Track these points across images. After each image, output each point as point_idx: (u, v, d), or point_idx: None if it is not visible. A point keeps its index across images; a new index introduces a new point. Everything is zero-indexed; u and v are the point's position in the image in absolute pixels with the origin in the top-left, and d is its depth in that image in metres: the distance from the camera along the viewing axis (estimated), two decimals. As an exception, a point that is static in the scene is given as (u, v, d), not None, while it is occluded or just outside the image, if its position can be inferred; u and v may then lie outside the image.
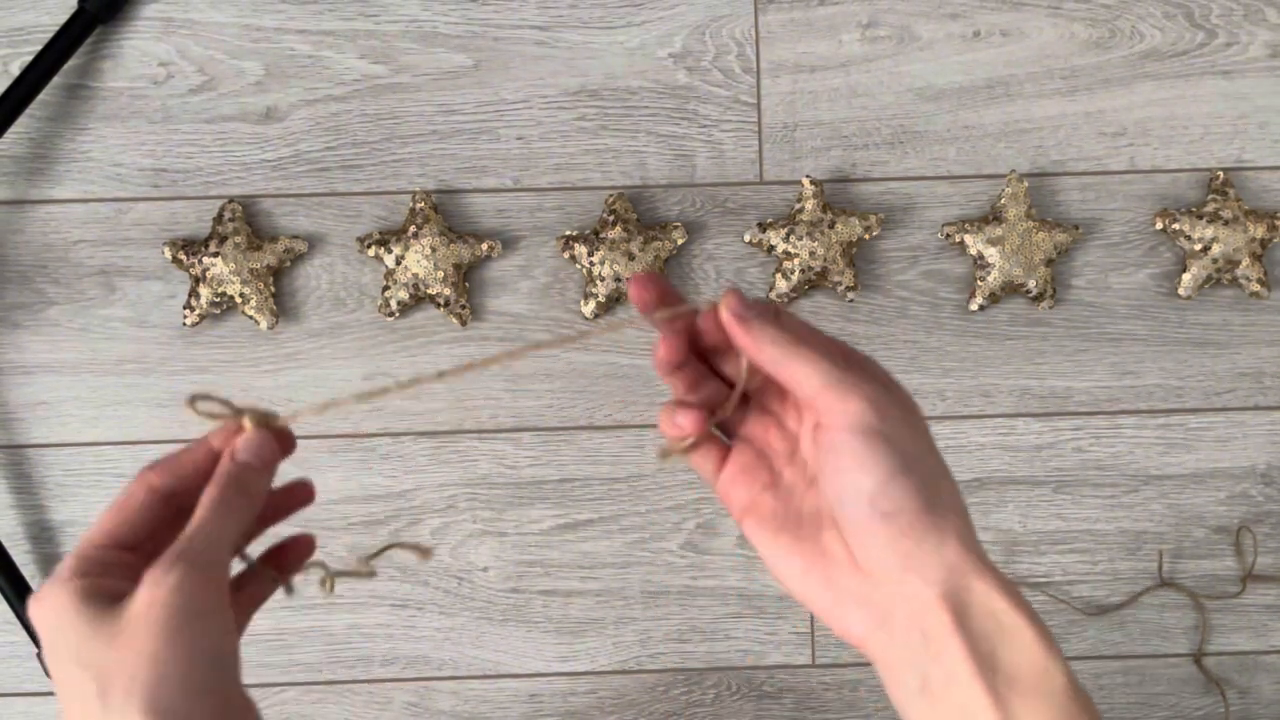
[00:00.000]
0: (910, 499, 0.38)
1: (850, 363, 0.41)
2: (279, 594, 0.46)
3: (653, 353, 0.43)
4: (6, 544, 0.82)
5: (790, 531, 0.42)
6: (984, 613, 0.38)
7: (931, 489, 0.39)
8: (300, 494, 0.47)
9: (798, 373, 0.40)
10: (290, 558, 0.47)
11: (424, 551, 0.49)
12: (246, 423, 0.43)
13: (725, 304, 0.41)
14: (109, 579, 0.39)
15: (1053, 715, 0.37)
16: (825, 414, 0.39)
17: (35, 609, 0.39)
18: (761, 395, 0.45)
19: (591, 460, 0.84)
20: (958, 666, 0.38)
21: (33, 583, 0.82)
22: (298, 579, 0.47)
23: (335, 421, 0.83)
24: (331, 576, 0.47)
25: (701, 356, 0.44)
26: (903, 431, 0.39)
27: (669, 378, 0.44)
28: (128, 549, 0.41)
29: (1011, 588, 0.39)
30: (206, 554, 0.39)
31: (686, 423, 0.43)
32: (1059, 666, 0.38)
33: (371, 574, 0.48)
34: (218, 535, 0.40)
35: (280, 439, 0.44)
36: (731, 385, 0.44)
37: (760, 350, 0.41)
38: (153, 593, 0.38)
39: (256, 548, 0.46)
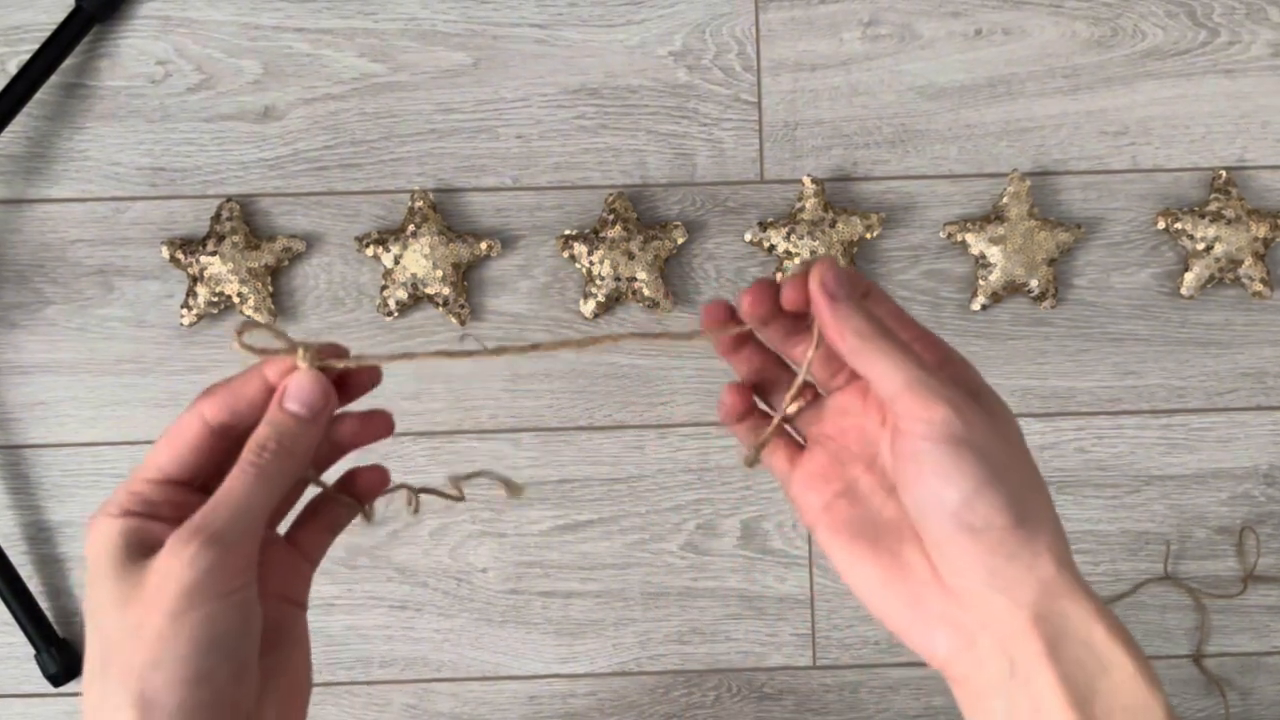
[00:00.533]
0: (999, 513, 0.35)
1: (941, 363, 0.38)
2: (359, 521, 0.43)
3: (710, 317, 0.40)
4: (4, 544, 0.81)
5: (867, 540, 0.39)
6: (1079, 641, 0.35)
7: (1023, 502, 0.36)
8: (377, 425, 0.41)
9: (878, 368, 0.36)
10: (362, 486, 0.42)
11: (515, 488, 0.44)
12: (300, 361, 0.37)
13: (816, 274, 0.38)
14: (156, 522, 0.36)
15: None
16: (905, 419, 0.36)
17: (87, 539, 0.37)
18: (841, 395, 0.41)
19: (591, 461, 0.83)
20: (1047, 696, 0.35)
21: (30, 584, 0.82)
22: (381, 501, 0.41)
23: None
24: (417, 495, 0.42)
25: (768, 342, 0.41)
26: (992, 441, 0.36)
27: (732, 355, 0.41)
28: (182, 484, 0.38)
29: (1108, 613, 0.36)
30: (232, 529, 0.35)
31: (729, 400, 0.40)
32: (1159, 702, 0.35)
33: (460, 498, 0.42)
34: (247, 506, 0.36)
35: (343, 382, 0.39)
36: (807, 384, 0.41)
37: (843, 337, 0.37)
38: (167, 563, 0.35)
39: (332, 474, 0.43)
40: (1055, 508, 0.37)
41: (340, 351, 0.38)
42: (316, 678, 0.84)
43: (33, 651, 0.82)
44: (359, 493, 0.42)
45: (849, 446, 0.41)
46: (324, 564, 0.85)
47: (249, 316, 0.81)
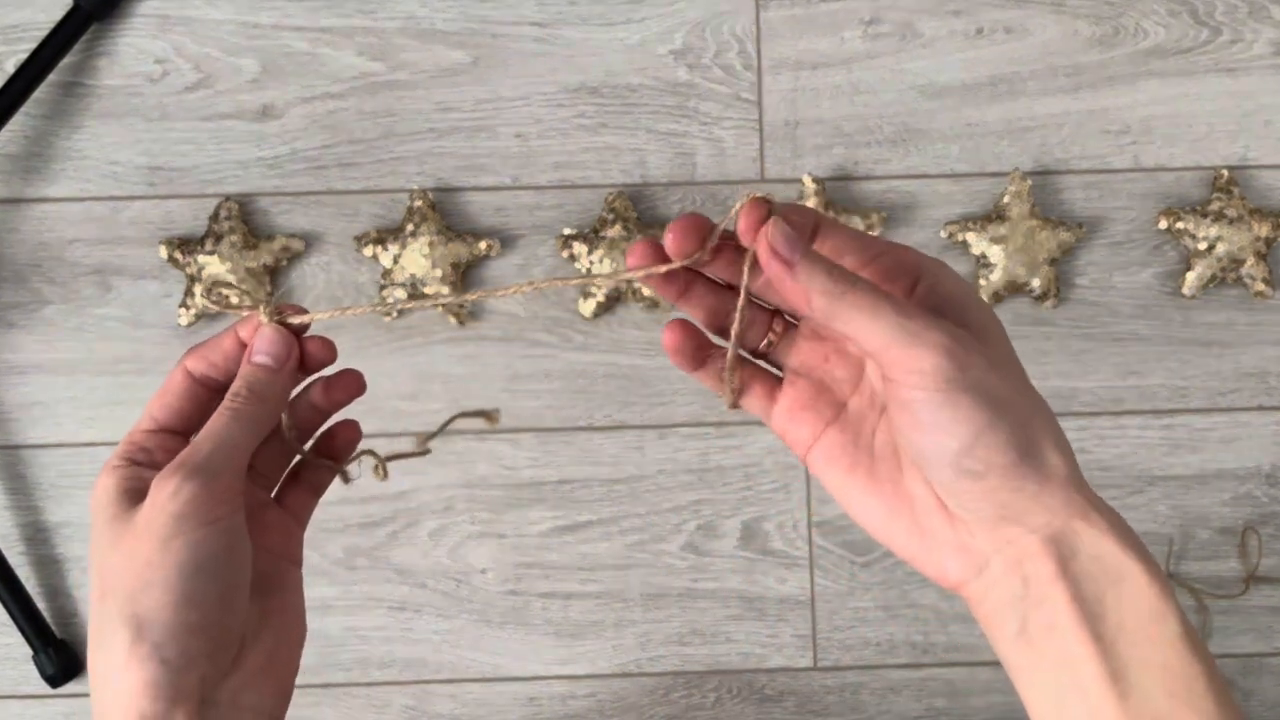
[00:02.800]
0: (1001, 453, 0.34)
1: (917, 289, 0.37)
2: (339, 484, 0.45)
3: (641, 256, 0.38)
4: (1, 545, 0.81)
5: (864, 469, 0.38)
6: (1091, 556, 0.35)
7: (1026, 434, 0.35)
8: (346, 384, 0.43)
9: (854, 325, 0.34)
10: (339, 445, 0.44)
11: (491, 417, 0.45)
12: (262, 316, 0.41)
13: (764, 240, 0.35)
14: (150, 469, 0.39)
15: (1165, 663, 0.34)
16: (893, 370, 0.34)
17: (91, 495, 0.39)
18: (811, 320, 0.39)
19: (591, 461, 0.83)
20: (1060, 614, 0.35)
21: (28, 584, 0.82)
22: (352, 468, 0.44)
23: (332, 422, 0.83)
24: (384, 461, 0.45)
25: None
26: (987, 377, 0.34)
27: (683, 300, 0.39)
28: (174, 433, 0.41)
29: (1123, 526, 0.36)
30: (212, 462, 0.38)
31: (669, 338, 0.38)
32: (1173, 611, 0.35)
33: (426, 452, 0.45)
34: (226, 442, 0.38)
35: (306, 342, 0.42)
36: (777, 314, 0.39)
37: (809, 302, 0.35)
38: (154, 498, 0.37)
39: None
40: (1056, 419, 0.36)
41: (298, 310, 0.41)
42: (316, 678, 0.84)
43: (30, 652, 0.81)
44: (336, 451, 0.44)
45: (831, 371, 0.39)
46: (323, 565, 0.85)
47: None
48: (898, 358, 0.34)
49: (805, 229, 0.37)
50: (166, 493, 0.37)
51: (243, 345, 0.41)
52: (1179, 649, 0.34)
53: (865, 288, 0.34)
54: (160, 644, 0.36)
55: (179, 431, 0.41)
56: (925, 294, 0.37)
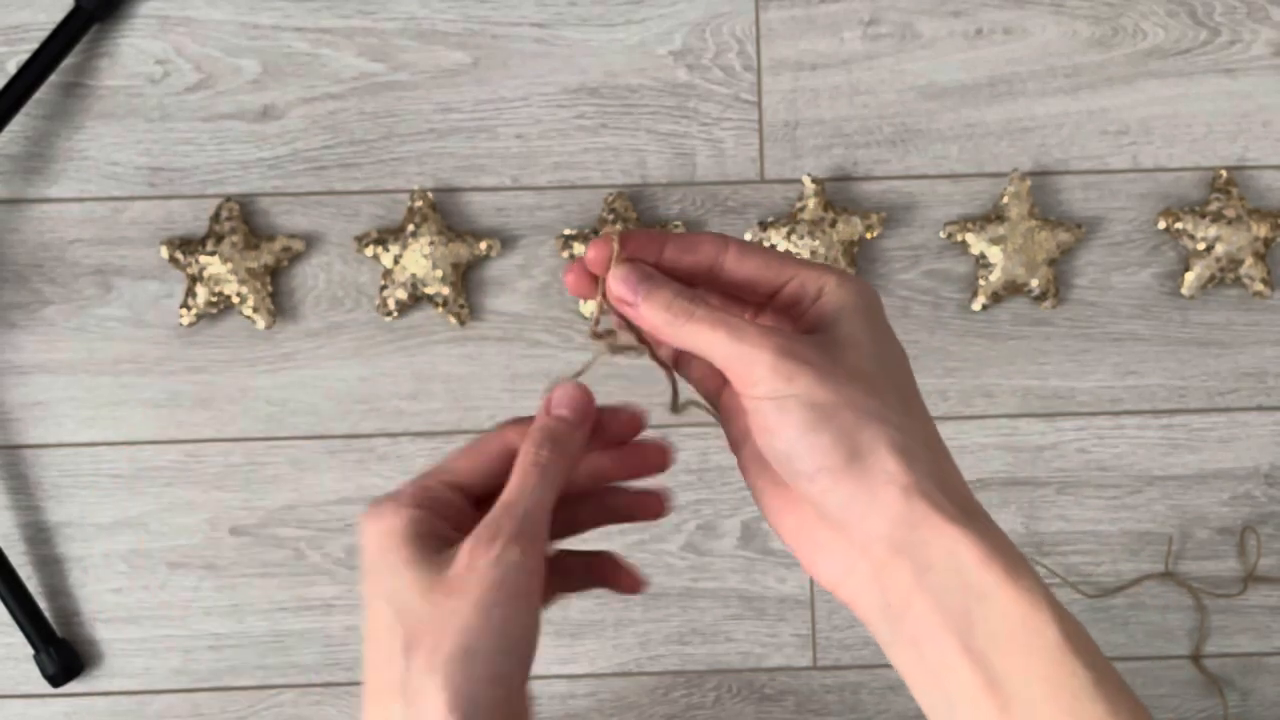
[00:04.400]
0: (825, 455, 0.36)
1: (810, 311, 0.38)
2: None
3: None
4: (3, 545, 0.81)
5: (770, 472, 0.39)
6: (948, 569, 0.35)
7: (852, 441, 0.36)
8: (651, 458, 0.43)
9: (699, 349, 0.37)
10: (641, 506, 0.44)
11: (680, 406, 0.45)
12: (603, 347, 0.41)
13: (610, 286, 0.38)
14: (443, 520, 0.38)
15: (1044, 674, 0.34)
16: (735, 382, 0.37)
17: (367, 524, 0.37)
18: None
19: (591, 461, 0.83)
20: (926, 626, 0.35)
21: (29, 584, 0.82)
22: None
23: (332, 422, 0.83)
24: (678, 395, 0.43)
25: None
26: (814, 388, 0.36)
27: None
28: (464, 493, 0.39)
29: (983, 535, 0.35)
30: (529, 525, 0.37)
31: (570, 280, 0.40)
32: (1049, 620, 0.34)
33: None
34: (538, 503, 0.37)
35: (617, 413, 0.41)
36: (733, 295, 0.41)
37: (658, 332, 0.38)
38: (473, 560, 0.36)
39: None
40: (913, 431, 0.37)
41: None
42: (318, 677, 0.84)
43: (31, 652, 0.81)
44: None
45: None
46: (324, 564, 0.85)
47: (247, 316, 0.81)
48: (735, 372, 0.37)
49: (651, 253, 0.39)
50: (490, 557, 0.36)
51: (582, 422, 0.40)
52: (1058, 657, 0.34)
53: (701, 314, 0.37)
54: (468, 714, 0.35)
55: (472, 493, 0.39)
56: (814, 313, 0.39)
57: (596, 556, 0.44)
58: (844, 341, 0.37)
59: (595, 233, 0.80)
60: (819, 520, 0.38)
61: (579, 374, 0.41)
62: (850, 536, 0.37)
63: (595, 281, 0.39)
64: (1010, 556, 0.35)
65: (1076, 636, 0.34)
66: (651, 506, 0.43)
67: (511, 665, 0.36)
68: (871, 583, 0.36)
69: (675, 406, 0.42)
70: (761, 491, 0.40)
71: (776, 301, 0.39)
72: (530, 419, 0.40)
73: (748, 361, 0.36)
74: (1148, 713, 0.35)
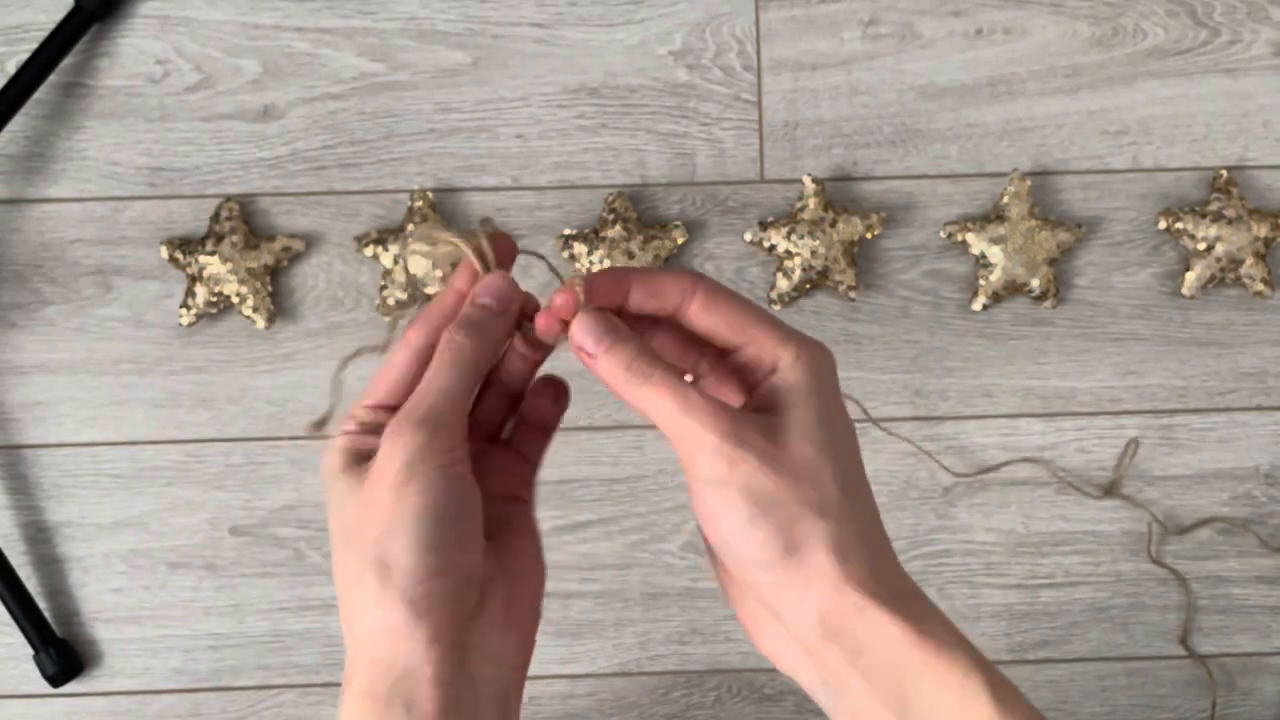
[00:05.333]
0: (760, 549, 0.36)
1: (765, 384, 0.38)
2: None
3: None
4: (3, 545, 0.81)
5: None
6: (878, 651, 0.36)
7: (790, 534, 0.36)
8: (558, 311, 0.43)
9: (649, 416, 0.38)
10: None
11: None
12: (466, 249, 0.42)
13: (573, 336, 0.40)
14: (373, 437, 0.39)
15: None
16: (679, 456, 0.38)
17: (320, 464, 0.40)
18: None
19: (591, 461, 0.83)
20: (864, 704, 0.36)
21: (29, 584, 0.82)
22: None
23: (332, 422, 0.83)
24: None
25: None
26: (756, 476, 0.36)
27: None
28: (395, 409, 0.40)
29: (916, 617, 0.36)
30: (436, 411, 0.38)
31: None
32: (980, 685, 0.35)
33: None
34: (445, 389, 0.39)
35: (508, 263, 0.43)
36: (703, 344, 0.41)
37: (608, 383, 0.39)
38: (385, 450, 0.38)
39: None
40: (852, 522, 0.37)
41: (506, 240, 0.43)
42: (318, 678, 0.84)
43: (31, 652, 0.81)
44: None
45: None
46: (325, 565, 0.85)
47: (247, 316, 0.81)
48: (680, 448, 0.37)
49: (616, 297, 0.40)
50: (398, 443, 0.38)
51: (463, 297, 0.42)
52: None
53: (658, 380, 0.37)
54: (406, 588, 0.36)
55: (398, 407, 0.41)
56: (767, 388, 0.39)
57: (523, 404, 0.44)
58: (792, 426, 0.37)
59: (596, 233, 0.80)
60: (758, 599, 0.39)
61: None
62: (784, 622, 0.38)
63: (565, 326, 0.40)
64: (940, 635, 0.36)
65: (1010, 702, 0.35)
66: (555, 404, 0.44)
67: (439, 529, 0.37)
68: (807, 662, 0.38)
69: None
70: (711, 557, 0.41)
71: (733, 360, 0.40)
72: (425, 309, 0.42)
73: (694, 441, 0.37)
74: None
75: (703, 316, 0.39)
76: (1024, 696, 0.36)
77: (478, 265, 0.42)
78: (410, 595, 0.36)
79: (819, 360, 0.39)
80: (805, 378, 0.38)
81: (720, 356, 0.41)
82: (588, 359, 0.39)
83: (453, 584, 0.37)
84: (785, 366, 0.38)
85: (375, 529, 0.37)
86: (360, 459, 0.39)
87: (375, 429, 0.40)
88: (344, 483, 0.39)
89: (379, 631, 0.37)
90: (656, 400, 0.37)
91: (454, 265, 0.84)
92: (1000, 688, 0.35)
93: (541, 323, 0.41)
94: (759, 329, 0.39)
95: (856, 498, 0.38)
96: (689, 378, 0.42)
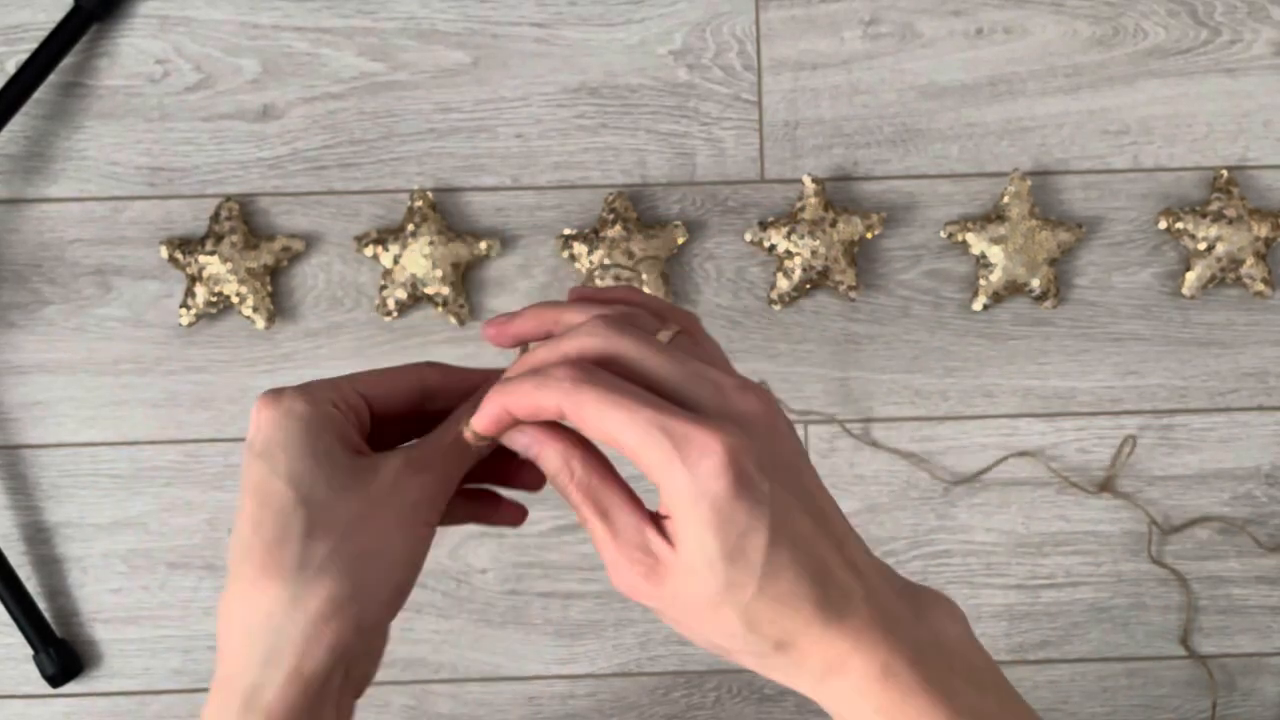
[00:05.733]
0: (724, 638, 0.37)
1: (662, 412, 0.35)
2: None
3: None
4: (2, 545, 0.81)
5: None
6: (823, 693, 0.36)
7: (755, 617, 0.35)
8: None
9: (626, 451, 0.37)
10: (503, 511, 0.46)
11: None
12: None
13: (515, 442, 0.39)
14: (352, 427, 0.39)
15: None
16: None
17: (268, 407, 0.38)
18: None
19: (591, 461, 0.83)
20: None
21: (28, 584, 0.82)
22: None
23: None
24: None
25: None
26: (662, 610, 0.37)
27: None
28: (373, 412, 0.40)
29: (883, 687, 0.35)
30: (452, 474, 0.39)
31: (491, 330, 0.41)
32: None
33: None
34: (458, 463, 0.40)
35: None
36: None
37: (587, 430, 0.36)
38: (401, 478, 0.38)
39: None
40: (750, 641, 0.35)
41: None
42: (315, 679, 0.84)
43: (31, 652, 0.81)
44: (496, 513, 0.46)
45: None
46: (323, 565, 0.85)
47: (247, 316, 0.81)
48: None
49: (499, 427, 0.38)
50: (417, 481, 0.38)
51: (487, 381, 0.41)
52: None
53: (587, 508, 0.37)
54: (363, 614, 0.37)
55: (373, 410, 0.40)
56: (666, 512, 0.36)
57: (480, 493, 0.45)
58: (685, 568, 0.35)
59: (596, 233, 0.80)
60: None
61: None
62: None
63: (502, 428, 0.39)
64: (870, 671, 0.35)
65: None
66: (514, 514, 0.45)
67: (401, 586, 0.39)
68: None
69: None
70: None
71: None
72: (453, 369, 0.41)
73: (610, 565, 0.37)
74: None
75: (588, 428, 0.36)
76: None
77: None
78: (363, 622, 0.38)
79: (699, 480, 0.34)
80: (687, 507, 0.34)
81: None
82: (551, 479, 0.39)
83: (377, 636, 0.41)
84: (669, 496, 0.35)
85: (361, 546, 0.37)
86: (341, 442, 0.38)
87: (352, 415, 0.39)
88: (328, 463, 0.37)
89: (305, 635, 0.37)
90: (588, 520, 0.38)
91: (454, 265, 0.84)
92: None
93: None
94: (643, 443, 0.34)
95: (760, 612, 0.35)
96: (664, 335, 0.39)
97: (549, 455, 0.37)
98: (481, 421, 0.37)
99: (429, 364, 0.41)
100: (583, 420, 0.35)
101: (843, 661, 0.35)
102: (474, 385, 0.41)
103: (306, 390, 0.38)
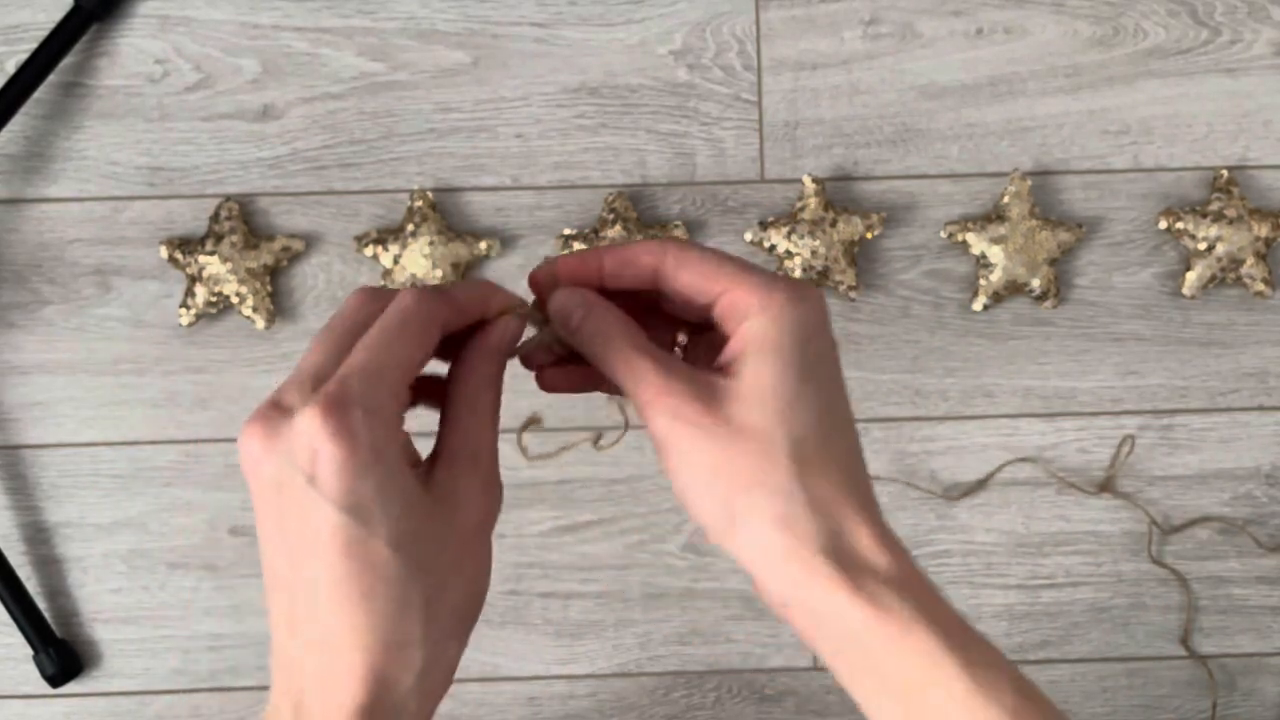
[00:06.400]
0: (708, 517, 0.36)
1: (736, 335, 0.36)
2: None
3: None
4: (2, 545, 0.81)
5: None
6: (839, 629, 0.35)
7: (730, 508, 0.36)
8: None
9: (616, 382, 0.37)
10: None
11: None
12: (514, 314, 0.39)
13: (552, 312, 0.38)
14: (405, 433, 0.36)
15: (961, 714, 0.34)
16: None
17: (346, 439, 0.32)
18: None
19: (591, 461, 0.83)
20: (835, 665, 0.36)
21: (28, 584, 0.82)
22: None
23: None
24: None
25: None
26: (697, 452, 0.36)
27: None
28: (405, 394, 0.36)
29: (873, 598, 0.35)
30: (496, 470, 0.38)
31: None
32: (952, 673, 0.34)
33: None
34: (492, 450, 0.38)
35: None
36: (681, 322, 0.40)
37: (588, 359, 0.38)
38: (472, 497, 0.36)
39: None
40: (801, 494, 0.35)
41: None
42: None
43: (31, 652, 0.81)
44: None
45: None
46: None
47: (247, 316, 0.81)
48: (638, 410, 0.37)
49: (591, 273, 0.38)
50: (490, 500, 0.36)
51: (486, 314, 0.38)
52: (968, 707, 0.34)
53: (612, 355, 0.37)
54: (463, 649, 0.36)
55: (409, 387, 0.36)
56: (734, 342, 0.37)
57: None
58: (744, 392, 0.36)
59: (595, 233, 0.80)
60: None
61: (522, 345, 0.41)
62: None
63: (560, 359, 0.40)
64: (904, 614, 0.35)
65: (986, 684, 0.34)
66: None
67: (481, 606, 0.38)
68: (782, 616, 0.37)
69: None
70: None
71: (715, 317, 0.38)
72: (454, 302, 0.37)
73: (642, 406, 0.36)
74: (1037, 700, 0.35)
75: (678, 275, 0.37)
76: (1005, 674, 0.35)
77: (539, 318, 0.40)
78: (449, 657, 0.36)
79: (788, 312, 0.36)
80: (772, 330, 0.36)
81: (701, 329, 0.39)
82: (569, 336, 0.38)
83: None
84: (752, 318, 0.36)
85: (463, 595, 0.36)
86: (406, 461, 0.34)
87: (402, 416, 0.35)
88: (406, 492, 0.33)
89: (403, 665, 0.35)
90: (615, 367, 0.36)
91: (454, 265, 0.84)
92: (975, 670, 0.34)
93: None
94: (731, 276, 0.36)
95: (816, 467, 0.35)
96: (678, 351, 0.41)
97: (598, 311, 0.37)
98: (552, 274, 0.38)
99: (436, 297, 0.36)
100: (684, 261, 0.37)
101: (877, 557, 0.36)
102: (477, 313, 0.38)
103: (380, 413, 0.33)
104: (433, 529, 0.34)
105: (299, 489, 0.32)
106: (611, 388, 0.39)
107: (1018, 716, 0.34)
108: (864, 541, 0.36)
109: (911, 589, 0.35)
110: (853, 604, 0.35)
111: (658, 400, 0.36)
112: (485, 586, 0.37)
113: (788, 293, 0.36)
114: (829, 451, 0.36)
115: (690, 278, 0.37)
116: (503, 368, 0.39)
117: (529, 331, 0.40)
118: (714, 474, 0.35)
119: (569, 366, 0.40)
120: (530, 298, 0.40)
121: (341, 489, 0.32)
